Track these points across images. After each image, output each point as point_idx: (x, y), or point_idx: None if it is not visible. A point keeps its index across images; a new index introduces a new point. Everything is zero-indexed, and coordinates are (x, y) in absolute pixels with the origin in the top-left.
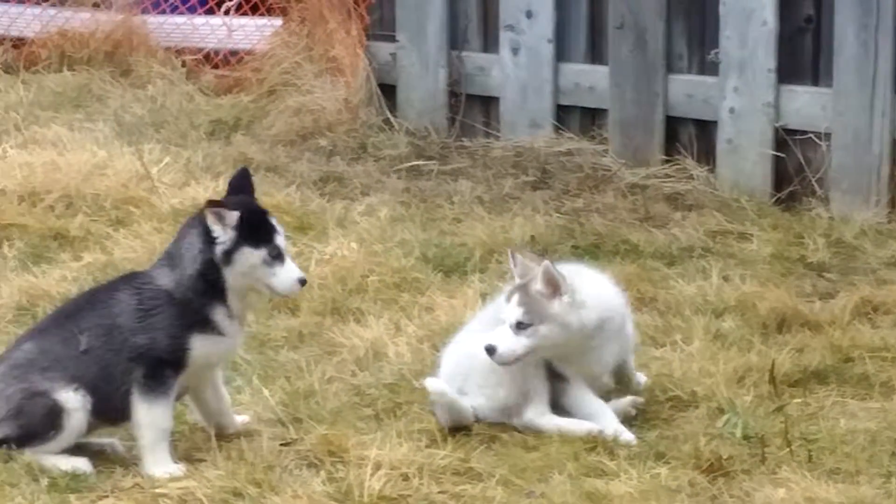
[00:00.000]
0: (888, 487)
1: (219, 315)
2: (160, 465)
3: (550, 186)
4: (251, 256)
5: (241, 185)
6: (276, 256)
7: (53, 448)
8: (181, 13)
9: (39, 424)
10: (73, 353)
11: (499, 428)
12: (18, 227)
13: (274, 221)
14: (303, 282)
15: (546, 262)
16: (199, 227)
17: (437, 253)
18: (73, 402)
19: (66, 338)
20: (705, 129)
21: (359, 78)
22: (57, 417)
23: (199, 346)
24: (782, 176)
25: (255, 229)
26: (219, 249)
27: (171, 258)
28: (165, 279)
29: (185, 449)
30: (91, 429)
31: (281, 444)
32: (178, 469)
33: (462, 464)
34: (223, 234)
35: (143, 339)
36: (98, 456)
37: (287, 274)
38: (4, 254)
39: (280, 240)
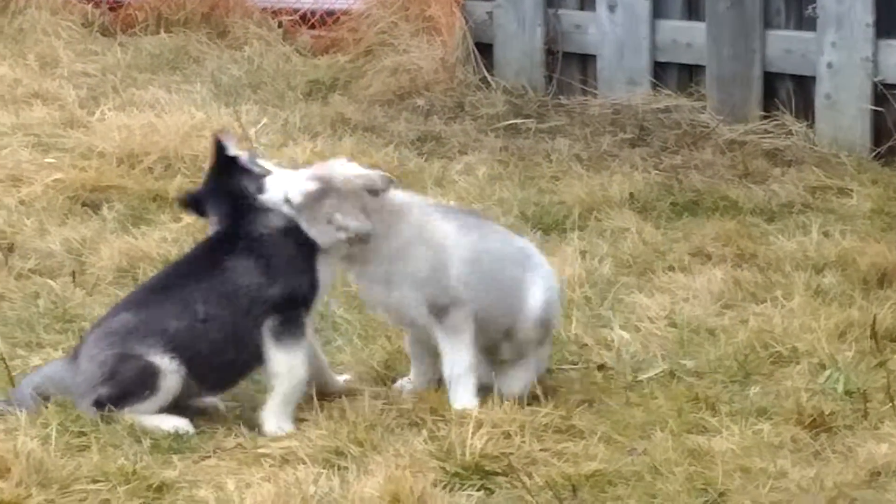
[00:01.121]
0: None
1: None
2: (280, 420)
3: (648, 143)
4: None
5: None
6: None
7: (148, 408)
8: None
9: (134, 384)
10: (184, 323)
11: (599, 387)
12: (118, 189)
13: None
14: None
15: None
16: None
17: (536, 211)
18: (168, 365)
19: (172, 309)
20: (803, 85)
21: (455, 37)
22: (152, 378)
23: (324, 272)
24: (881, 131)
25: None
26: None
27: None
28: (270, 223)
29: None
30: (189, 394)
31: (382, 404)
32: (291, 428)
33: (563, 422)
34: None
35: (276, 288)
36: (200, 416)
37: None
38: (104, 216)
39: None
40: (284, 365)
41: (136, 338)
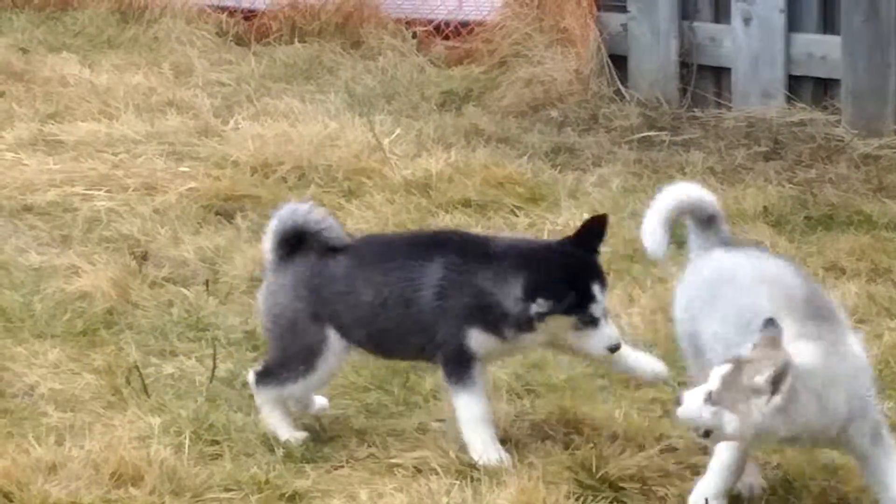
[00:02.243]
0: None
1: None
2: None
3: (782, 157)
4: (561, 322)
5: (590, 235)
6: (589, 322)
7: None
8: None
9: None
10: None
11: None
12: (251, 198)
13: (597, 287)
14: (614, 348)
15: (785, 360)
16: (526, 275)
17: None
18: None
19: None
20: None
21: (589, 49)
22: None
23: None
24: None
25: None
26: (533, 310)
27: (496, 269)
28: (481, 280)
29: (421, 419)
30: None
31: (515, 416)
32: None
33: None
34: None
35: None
36: (332, 426)
37: (598, 339)
38: (237, 225)
39: (595, 307)
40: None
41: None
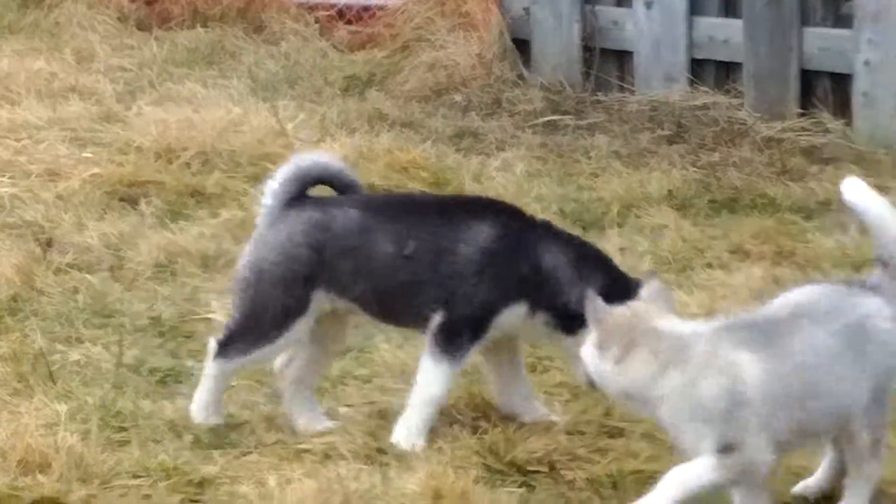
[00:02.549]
0: None
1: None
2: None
3: (686, 140)
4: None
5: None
6: None
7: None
8: None
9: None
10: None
11: None
12: (155, 184)
13: None
14: None
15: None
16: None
17: (575, 208)
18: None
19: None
20: (841, 82)
21: (492, 33)
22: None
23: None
24: None
25: None
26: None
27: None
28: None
29: (329, 405)
30: None
31: None
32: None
33: (605, 419)
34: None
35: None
36: (241, 412)
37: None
38: (142, 211)
39: None
40: (425, 375)
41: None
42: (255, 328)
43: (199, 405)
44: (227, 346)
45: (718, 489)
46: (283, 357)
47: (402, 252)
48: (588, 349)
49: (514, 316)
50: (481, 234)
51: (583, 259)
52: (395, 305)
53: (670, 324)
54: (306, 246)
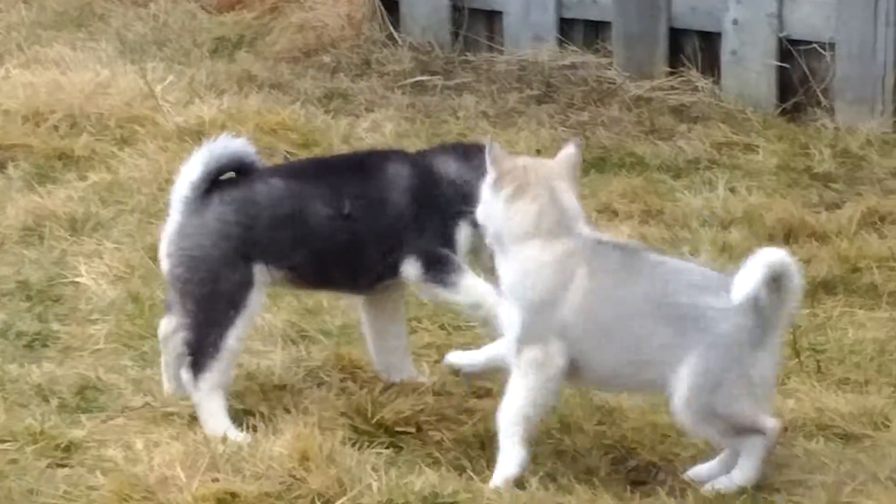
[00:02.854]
0: None
1: None
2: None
3: (555, 100)
4: None
5: None
6: None
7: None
8: None
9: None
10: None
11: None
12: (23, 147)
13: None
14: None
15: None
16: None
17: None
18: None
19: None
20: (709, 41)
21: None
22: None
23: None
24: (787, 87)
25: None
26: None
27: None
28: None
29: None
30: None
31: (290, 362)
32: None
33: (473, 381)
34: None
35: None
36: (108, 376)
37: None
38: (9, 174)
39: None
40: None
41: None
42: (212, 318)
43: (221, 428)
44: (198, 358)
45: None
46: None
47: (339, 213)
48: (483, 189)
49: (466, 237)
50: (401, 176)
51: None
52: (336, 267)
53: (567, 195)
54: (237, 224)
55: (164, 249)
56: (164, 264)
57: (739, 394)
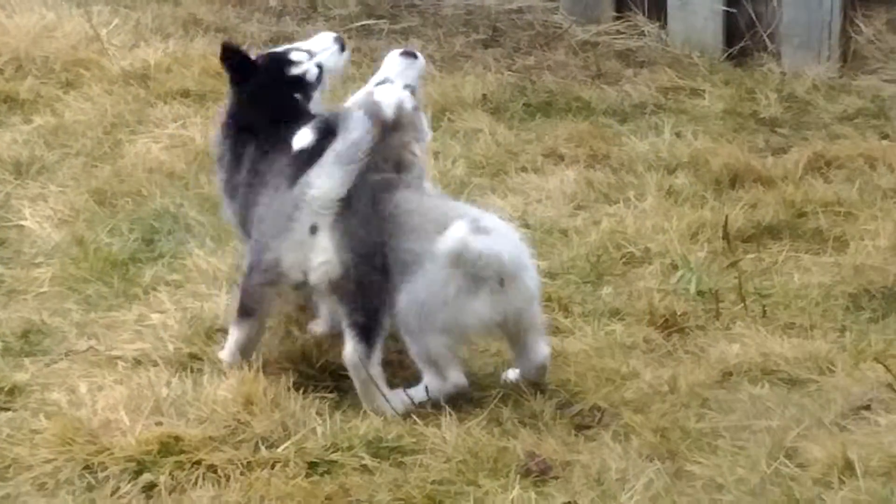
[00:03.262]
0: (842, 341)
1: None
2: None
3: (501, 44)
4: None
5: None
6: None
7: None
8: None
9: None
10: None
11: None
12: None
13: None
14: None
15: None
16: None
17: None
18: None
19: None
20: None
21: None
22: None
23: None
24: (733, 32)
25: None
26: None
27: None
28: None
29: (141, 311)
30: None
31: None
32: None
33: None
34: None
35: None
36: (52, 319)
37: None
38: None
39: None
40: None
41: None
42: (381, 300)
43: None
44: (370, 339)
45: None
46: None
47: None
48: None
49: None
50: None
51: None
52: None
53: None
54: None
55: (319, 257)
56: (322, 272)
57: (434, 330)
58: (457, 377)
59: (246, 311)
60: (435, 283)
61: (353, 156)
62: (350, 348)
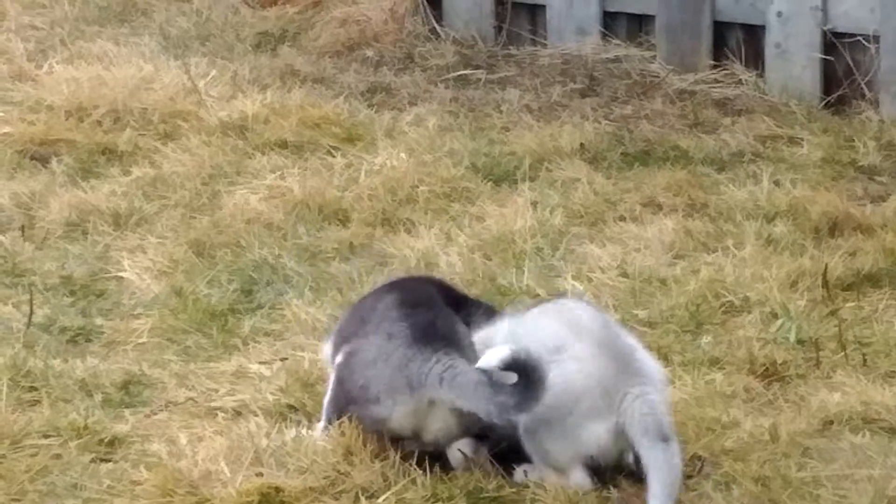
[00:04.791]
0: None
1: None
2: None
3: (598, 94)
4: None
5: None
6: None
7: None
8: None
9: None
10: None
11: None
12: (66, 142)
13: None
14: None
15: None
16: None
17: (487, 162)
18: None
19: None
20: (753, 34)
21: None
22: None
23: None
24: (831, 79)
25: None
26: None
27: None
28: None
29: (240, 362)
30: None
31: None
32: None
33: None
34: None
35: None
36: (152, 370)
37: None
38: (53, 169)
39: None
40: None
41: None
42: None
43: None
44: None
45: None
46: None
47: None
48: None
49: None
50: None
51: None
52: None
53: None
54: None
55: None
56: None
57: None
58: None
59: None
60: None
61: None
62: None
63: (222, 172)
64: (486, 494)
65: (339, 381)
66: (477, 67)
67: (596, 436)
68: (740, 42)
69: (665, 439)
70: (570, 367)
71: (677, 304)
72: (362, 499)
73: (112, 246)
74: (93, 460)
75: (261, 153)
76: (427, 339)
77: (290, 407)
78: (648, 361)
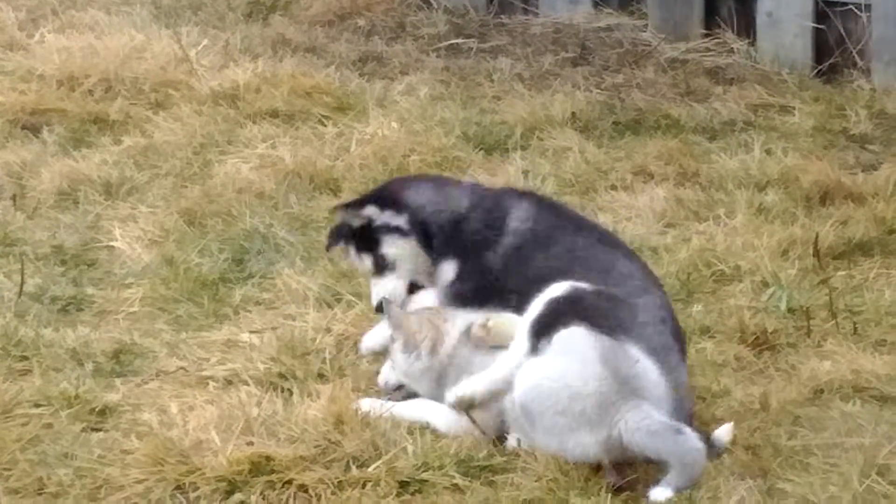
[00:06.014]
0: None
1: None
2: None
3: (590, 63)
4: None
5: None
6: None
7: None
8: None
9: None
10: None
11: None
12: (58, 111)
13: None
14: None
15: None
16: None
17: (478, 131)
18: None
19: None
20: (745, 3)
21: None
22: None
23: None
24: (823, 48)
25: None
26: None
27: None
28: None
29: (231, 331)
30: None
31: (325, 326)
32: None
33: None
34: None
35: None
36: (143, 340)
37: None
38: (44, 139)
39: None
40: None
41: None
42: None
43: None
44: None
45: None
46: None
47: None
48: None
49: None
50: None
51: None
52: None
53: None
54: None
55: None
56: None
57: None
58: None
59: None
60: None
61: None
62: None
63: (213, 142)
64: (477, 463)
65: None
66: (468, 36)
67: (582, 445)
68: (732, 11)
69: (677, 431)
70: (573, 367)
71: (668, 272)
72: (353, 467)
73: (103, 215)
74: (84, 429)
75: (252, 122)
76: None
77: (281, 376)
78: (651, 376)
